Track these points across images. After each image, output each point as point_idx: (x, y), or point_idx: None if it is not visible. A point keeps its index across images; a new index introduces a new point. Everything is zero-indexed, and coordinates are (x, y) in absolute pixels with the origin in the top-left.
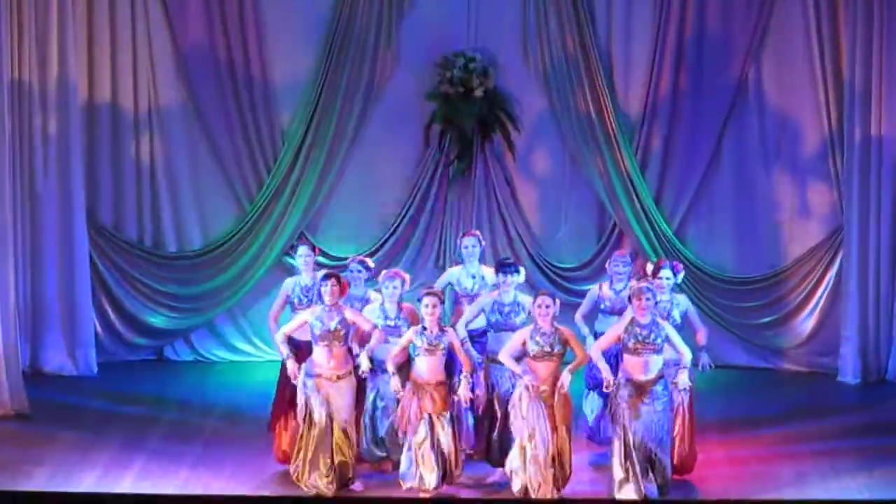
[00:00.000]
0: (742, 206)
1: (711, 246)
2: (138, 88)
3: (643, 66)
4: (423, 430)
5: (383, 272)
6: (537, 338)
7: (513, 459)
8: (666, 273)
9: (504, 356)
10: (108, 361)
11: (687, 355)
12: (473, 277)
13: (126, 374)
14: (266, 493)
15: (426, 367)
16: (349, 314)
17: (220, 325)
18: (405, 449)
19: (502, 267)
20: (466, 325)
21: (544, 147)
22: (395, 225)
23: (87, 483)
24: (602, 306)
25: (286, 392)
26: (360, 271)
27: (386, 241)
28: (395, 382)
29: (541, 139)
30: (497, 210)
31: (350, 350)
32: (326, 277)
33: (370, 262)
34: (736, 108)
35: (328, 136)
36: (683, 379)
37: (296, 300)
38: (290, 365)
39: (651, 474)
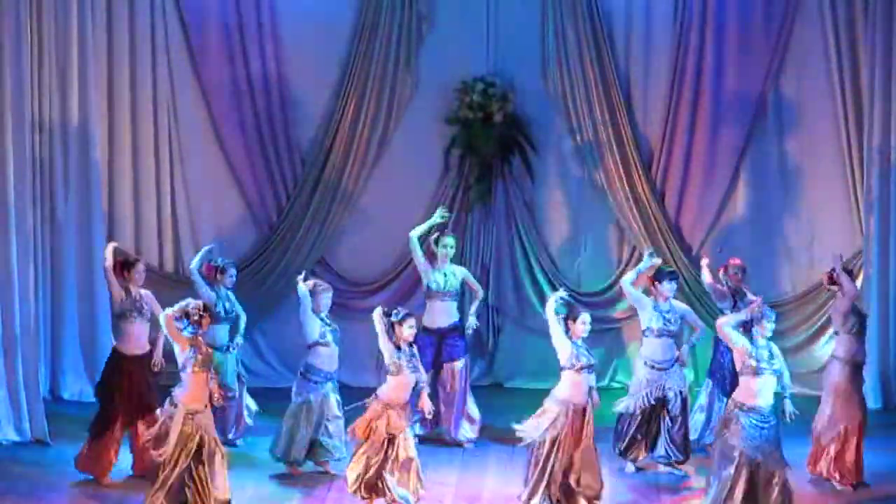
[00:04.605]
0: (761, 229)
1: None
2: (158, 116)
3: (662, 89)
4: (382, 449)
5: (313, 282)
6: (581, 351)
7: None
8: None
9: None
10: None
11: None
12: (445, 275)
13: None
14: None
15: (397, 386)
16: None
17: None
18: (361, 461)
19: (662, 275)
20: None
21: (563, 171)
22: None
23: None
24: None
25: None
26: (231, 276)
27: (406, 266)
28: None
29: (560, 163)
30: (516, 234)
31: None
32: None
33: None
34: (755, 130)
35: (347, 162)
36: (788, 408)
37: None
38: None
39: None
